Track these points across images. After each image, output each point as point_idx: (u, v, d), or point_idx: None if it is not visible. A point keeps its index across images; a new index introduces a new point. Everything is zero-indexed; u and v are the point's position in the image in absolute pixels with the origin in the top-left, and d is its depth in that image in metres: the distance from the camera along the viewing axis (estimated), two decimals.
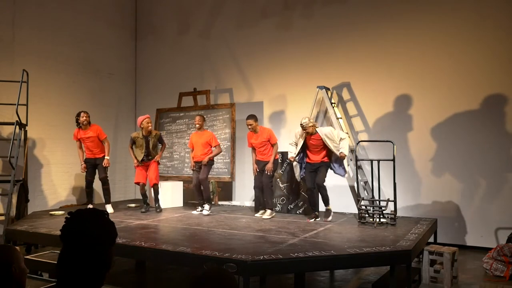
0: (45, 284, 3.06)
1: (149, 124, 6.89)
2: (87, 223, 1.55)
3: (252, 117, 6.57)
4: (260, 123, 8.49)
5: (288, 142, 6.49)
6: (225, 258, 3.90)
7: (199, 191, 6.87)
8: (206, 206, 6.78)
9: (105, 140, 6.89)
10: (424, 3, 7.19)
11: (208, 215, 6.67)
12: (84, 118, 6.72)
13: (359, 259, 4.19)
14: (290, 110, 8.35)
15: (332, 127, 6.33)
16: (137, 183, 7.03)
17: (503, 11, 6.63)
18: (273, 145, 6.55)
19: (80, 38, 8.91)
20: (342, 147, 6.01)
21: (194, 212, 6.90)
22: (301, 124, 6.06)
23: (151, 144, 6.94)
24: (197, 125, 6.92)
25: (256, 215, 6.62)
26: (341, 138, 6.06)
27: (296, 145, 6.28)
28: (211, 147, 6.89)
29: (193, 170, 6.97)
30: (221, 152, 7.11)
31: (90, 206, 6.75)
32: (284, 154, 7.07)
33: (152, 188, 7.04)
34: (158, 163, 7.15)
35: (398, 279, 4.35)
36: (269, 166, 6.46)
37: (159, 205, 7.04)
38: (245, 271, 3.79)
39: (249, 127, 6.54)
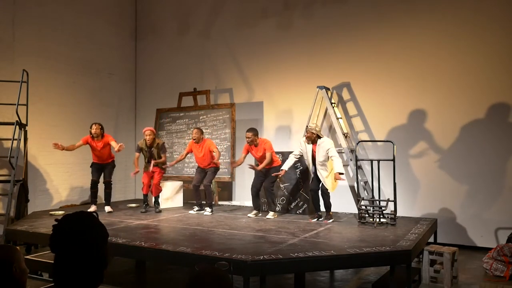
0: (45, 284, 3.05)
1: (148, 137, 6.86)
2: (75, 229, 1.52)
3: (252, 130, 6.56)
4: (259, 123, 8.53)
5: (293, 152, 6.42)
6: (225, 258, 3.89)
7: (197, 192, 6.93)
8: (208, 209, 6.82)
9: (114, 142, 6.77)
10: (424, 3, 7.19)
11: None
12: (94, 130, 6.67)
13: (359, 259, 4.19)
14: (290, 110, 8.35)
15: (331, 143, 6.14)
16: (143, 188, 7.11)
17: (505, 11, 6.63)
18: (268, 153, 6.51)
19: (80, 38, 8.90)
20: (335, 167, 5.91)
21: (191, 211, 6.95)
22: (306, 126, 6.13)
23: (155, 154, 6.97)
24: (194, 139, 6.88)
25: (254, 215, 6.61)
26: (331, 156, 5.96)
27: (295, 156, 6.31)
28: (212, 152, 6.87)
29: (196, 170, 7.10)
30: (219, 155, 7.07)
31: (94, 207, 6.79)
32: (285, 154, 7.07)
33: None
34: (164, 171, 7.20)
35: (398, 279, 4.35)
36: (260, 167, 6.49)
37: (158, 206, 7.06)
38: (245, 271, 3.79)
39: (247, 139, 6.54)
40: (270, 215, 6.48)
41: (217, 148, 6.95)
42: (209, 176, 6.88)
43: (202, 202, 7.04)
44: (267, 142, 6.62)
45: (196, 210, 6.95)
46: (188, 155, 7.29)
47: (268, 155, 6.47)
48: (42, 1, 8.22)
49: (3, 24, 7.61)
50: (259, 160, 6.62)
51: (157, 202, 7.08)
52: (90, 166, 6.95)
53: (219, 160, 7.31)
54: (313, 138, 6.10)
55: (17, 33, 7.81)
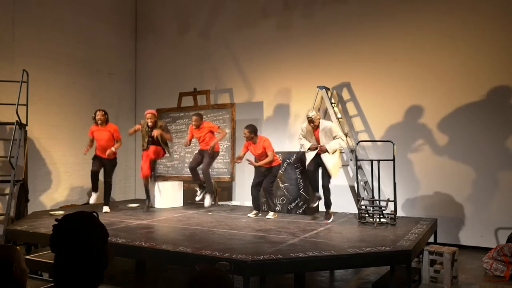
0: (45, 284, 3.05)
1: (148, 120, 6.88)
2: (75, 229, 1.52)
3: (249, 127, 6.54)
4: (259, 122, 8.53)
5: (298, 138, 6.44)
6: (225, 258, 3.89)
7: (195, 173, 7.01)
8: (207, 197, 6.80)
9: (119, 140, 6.87)
10: (424, 3, 7.19)
11: (208, 208, 6.78)
12: (99, 116, 6.74)
13: (359, 259, 4.19)
14: (290, 110, 8.35)
15: (335, 124, 6.25)
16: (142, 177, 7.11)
17: (505, 11, 6.63)
18: (269, 152, 6.54)
19: (80, 38, 8.90)
20: (331, 144, 5.95)
21: (197, 198, 7.11)
22: (308, 117, 6.03)
23: (159, 137, 6.91)
24: (194, 125, 6.97)
25: (255, 215, 6.62)
26: (335, 136, 6.01)
27: (306, 138, 6.25)
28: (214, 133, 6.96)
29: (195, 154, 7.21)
30: (225, 134, 7.18)
31: (95, 195, 6.82)
32: (284, 154, 7.07)
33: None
34: (165, 153, 7.15)
35: (398, 279, 4.35)
36: (259, 163, 6.52)
37: (149, 201, 7.12)
38: (245, 271, 3.79)
39: (244, 136, 6.55)
40: (270, 215, 6.48)
41: (218, 127, 7.01)
42: (206, 161, 6.86)
43: (203, 183, 7.08)
44: (266, 139, 6.61)
45: (200, 194, 7.05)
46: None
47: (270, 154, 6.46)
48: (42, 1, 8.22)
49: (3, 24, 7.61)
50: (258, 157, 6.60)
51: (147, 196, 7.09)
52: (92, 159, 6.91)
53: (220, 153, 7.37)
54: (319, 122, 6.09)
55: (17, 33, 7.81)
